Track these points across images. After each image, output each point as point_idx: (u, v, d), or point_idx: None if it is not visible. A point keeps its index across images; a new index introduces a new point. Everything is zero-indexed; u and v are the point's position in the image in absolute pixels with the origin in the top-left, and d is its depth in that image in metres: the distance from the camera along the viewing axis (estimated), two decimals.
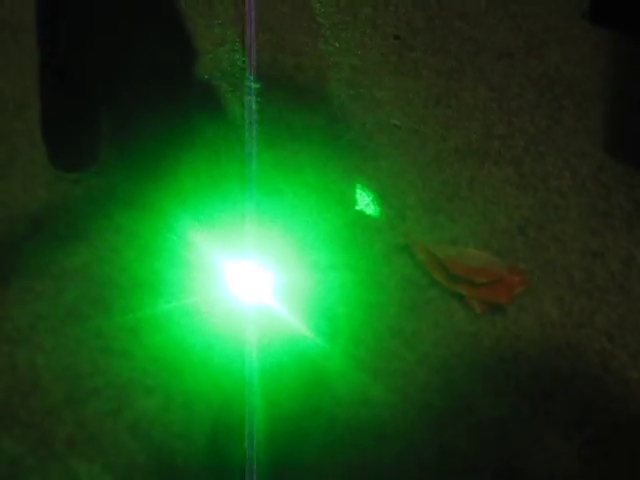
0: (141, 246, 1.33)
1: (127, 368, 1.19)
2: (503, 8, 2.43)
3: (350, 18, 2.18)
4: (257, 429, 1.00)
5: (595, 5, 2.38)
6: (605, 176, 1.82)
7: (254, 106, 1.72)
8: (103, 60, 1.36)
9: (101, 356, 1.21)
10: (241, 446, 1.02)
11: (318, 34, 2.09)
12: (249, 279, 1.28)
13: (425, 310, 1.41)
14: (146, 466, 1.10)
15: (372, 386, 1.26)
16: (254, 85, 1.77)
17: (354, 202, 1.59)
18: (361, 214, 1.57)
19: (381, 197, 1.62)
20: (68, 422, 1.13)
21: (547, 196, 1.72)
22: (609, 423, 1.31)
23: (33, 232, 1.37)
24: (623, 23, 2.34)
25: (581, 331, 1.45)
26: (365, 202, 1.60)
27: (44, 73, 1.45)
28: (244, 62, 1.91)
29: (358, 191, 1.62)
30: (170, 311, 1.24)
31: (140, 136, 1.39)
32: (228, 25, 2.05)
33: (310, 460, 1.14)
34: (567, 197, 1.73)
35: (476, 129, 1.87)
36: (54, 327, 1.24)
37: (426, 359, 1.33)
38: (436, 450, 1.21)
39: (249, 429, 0.98)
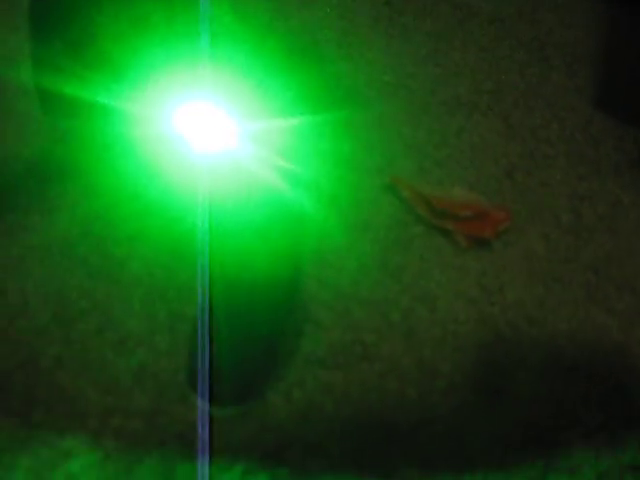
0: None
1: (112, 292, 1.22)
2: None
3: None
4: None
5: None
6: (594, 129, 1.84)
7: None
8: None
9: (88, 281, 1.23)
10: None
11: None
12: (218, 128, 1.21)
13: (411, 245, 1.43)
14: (131, 382, 1.12)
15: (355, 311, 1.28)
16: None
17: (342, 147, 1.61)
18: (348, 158, 1.59)
19: (369, 144, 1.64)
20: (56, 341, 1.15)
21: (535, 145, 1.74)
22: (589, 351, 1.32)
23: (24, 174, 1.40)
24: None
25: (567, 266, 1.46)
26: (352, 147, 1.62)
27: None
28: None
29: (346, 138, 1.64)
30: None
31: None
32: None
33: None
34: (555, 146, 1.75)
35: (465, 85, 1.89)
36: (43, 257, 1.26)
37: (410, 289, 1.35)
38: (418, 372, 1.23)
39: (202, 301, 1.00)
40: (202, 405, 1.08)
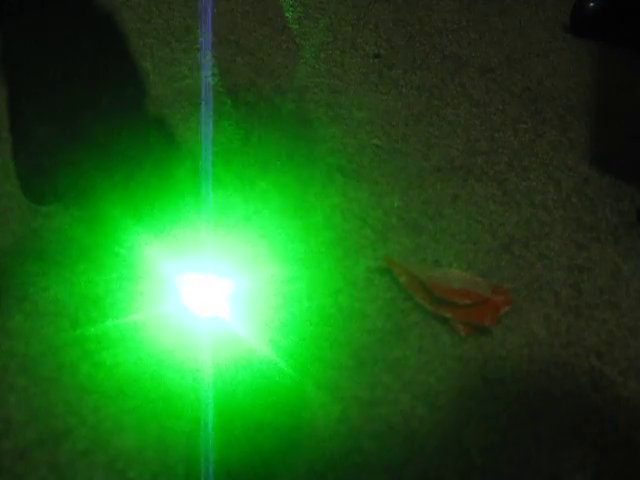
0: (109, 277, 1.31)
1: (100, 405, 1.16)
2: (484, 23, 2.42)
3: (330, 38, 2.17)
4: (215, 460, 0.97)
5: (576, 18, 2.37)
6: (590, 189, 1.80)
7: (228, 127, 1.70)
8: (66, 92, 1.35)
9: (75, 393, 1.18)
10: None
11: (297, 56, 2.08)
12: (213, 294, 1.25)
13: (408, 335, 1.38)
14: None
15: (353, 416, 1.23)
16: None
17: (334, 224, 1.57)
18: (341, 236, 1.54)
19: (362, 219, 1.60)
20: (41, 465, 1.10)
21: (532, 212, 1.70)
22: (600, 444, 1.28)
23: (5, 268, 1.34)
24: (604, 35, 2.33)
25: (569, 350, 1.42)
26: (345, 224, 1.57)
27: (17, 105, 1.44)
28: (222, 86, 1.89)
29: (338, 213, 1.60)
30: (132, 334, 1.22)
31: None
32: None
33: None
34: (552, 212, 1.71)
35: (458, 146, 1.85)
36: (27, 366, 1.21)
37: (410, 385, 1.30)
38: None
39: (206, 462, 0.95)
40: None
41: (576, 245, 1.64)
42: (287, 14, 2.21)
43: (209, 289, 1.24)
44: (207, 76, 1.72)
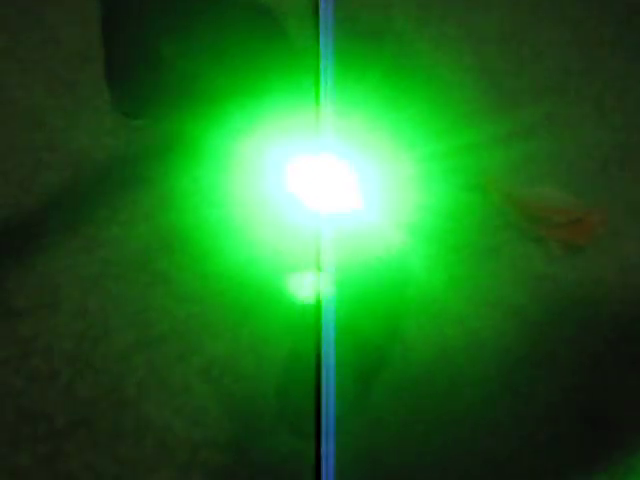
0: (206, 183, 1.31)
1: (195, 313, 1.18)
2: None
3: None
4: (331, 362, 0.97)
5: None
6: None
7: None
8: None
9: (169, 301, 1.20)
10: (312, 384, 0.99)
11: None
12: (328, 187, 1.16)
13: (501, 252, 1.35)
14: (217, 410, 1.09)
15: (447, 328, 1.22)
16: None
17: (427, 140, 1.53)
18: (436, 152, 1.51)
19: (455, 135, 1.56)
20: (139, 367, 1.13)
21: (628, 134, 1.63)
22: None
23: (99, 180, 1.36)
24: None
25: None
26: (435, 143, 1.53)
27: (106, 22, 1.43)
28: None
29: (430, 129, 1.56)
30: (237, 247, 1.21)
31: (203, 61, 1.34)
32: None
33: (381, 402, 1.12)
34: None
35: (552, 65, 1.78)
36: (122, 274, 1.23)
37: (502, 302, 1.28)
38: (512, 397, 1.17)
39: (324, 360, 0.95)
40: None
41: None
42: None
43: (328, 175, 1.14)
44: None
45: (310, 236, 1.00)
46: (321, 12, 1.31)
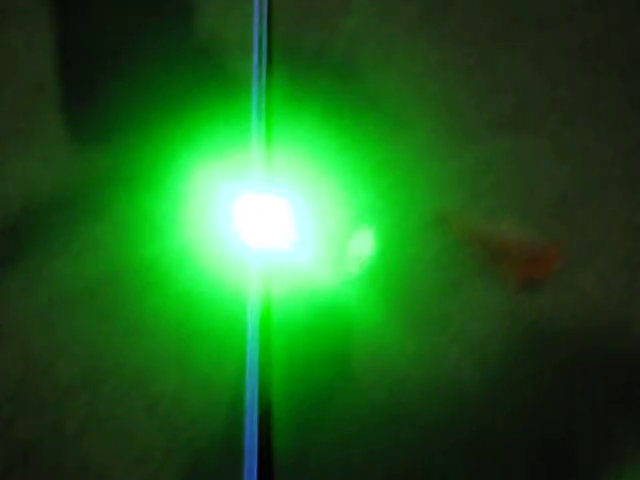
0: (155, 215, 1.28)
1: (141, 348, 1.15)
2: None
3: None
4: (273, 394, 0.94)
5: None
6: None
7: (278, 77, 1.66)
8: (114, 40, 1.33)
9: (115, 336, 1.16)
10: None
11: (350, 5, 2.02)
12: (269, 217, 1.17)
13: (460, 288, 1.34)
14: (161, 449, 1.05)
15: (401, 367, 1.20)
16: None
17: (386, 174, 1.52)
18: (393, 187, 1.50)
19: (416, 168, 1.55)
20: (83, 405, 1.09)
21: (587, 169, 1.64)
22: None
23: (49, 211, 1.33)
24: None
25: (623, 310, 1.37)
26: (397, 174, 1.52)
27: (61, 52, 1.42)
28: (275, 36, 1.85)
29: (389, 163, 1.55)
30: (182, 279, 1.19)
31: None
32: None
33: (329, 450, 1.09)
34: (609, 169, 1.64)
35: (513, 100, 1.79)
36: (69, 307, 1.19)
37: (459, 339, 1.26)
38: (470, 433, 1.15)
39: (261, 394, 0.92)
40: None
41: (633, 203, 1.58)
42: None
43: (266, 212, 1.15)
44: (260, 25, 1.67)
45: (250, 271, 0.98)
46: (255, 51, 1.31)
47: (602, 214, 1.54)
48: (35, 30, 1.68)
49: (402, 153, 1.56)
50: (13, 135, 1.46)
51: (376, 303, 1.28)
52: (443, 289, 1.33)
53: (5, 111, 1.51)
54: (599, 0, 2.19)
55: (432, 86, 1.76)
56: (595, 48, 2.00)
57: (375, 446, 1.10)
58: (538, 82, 1.84)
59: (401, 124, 1.62)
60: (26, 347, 1.14)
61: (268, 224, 1.10)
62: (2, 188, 1.36)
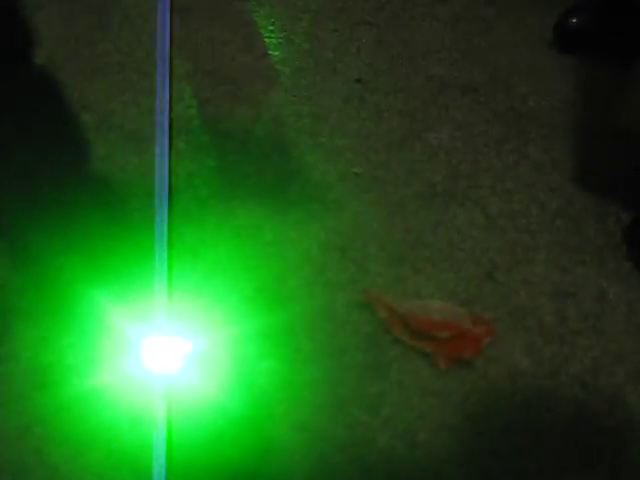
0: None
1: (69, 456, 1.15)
2: (467, 42, 2.40)
3: (310, 64, 2.15)
4: None
5: (560, 34, 2.35)
6: (574, 210, 1.77)
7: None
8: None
9: (44, 444, 1.16)
10: None
11: (277, 82, 2.06)
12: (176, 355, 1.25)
13: (388, 370, 1.36)
14: None
15: (331, 457, 1.21)
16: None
17: (313, 257, 1.55)
18: (320, 270, 1.52)
19: (342, 250, 1.58)
20: None
21: (515, 237, 1.68)
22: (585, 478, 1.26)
23: None
24: (589, 51, 2.31)
25: (553, 380, 1.40)
26: (324, 257, 1.55)
27: None
28: (200, 117, 1.88)
29: (316, 246, 1.58)
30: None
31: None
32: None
33: None
34: (536, 236, 1.69)
35: (441, 171, 1.83)
36: None
37: (389, 423, 1.28)
38: None
39: None
40: None
41: (561, 269, 1.62)
42: (267, 40, 2.20)
43: (168, 350, 1.24)
44: (162, 117, 1.71)
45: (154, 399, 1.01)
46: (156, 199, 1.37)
47: (530, 283, 1.57)
48: None
49: (328, 235, 1.59)
50: None
51: (303, 390, 1.29)
52: (374, 371, 1.35)
53: None
54: (522, 66, 2.26)
55: (359, 164, 1.80)
56: (519, 113, 2.06)
57: None
58: (465, 152, 1.89)
59: (326, 206, 1.65)
60: None
61: (169, 358, 1.15)
62: None
